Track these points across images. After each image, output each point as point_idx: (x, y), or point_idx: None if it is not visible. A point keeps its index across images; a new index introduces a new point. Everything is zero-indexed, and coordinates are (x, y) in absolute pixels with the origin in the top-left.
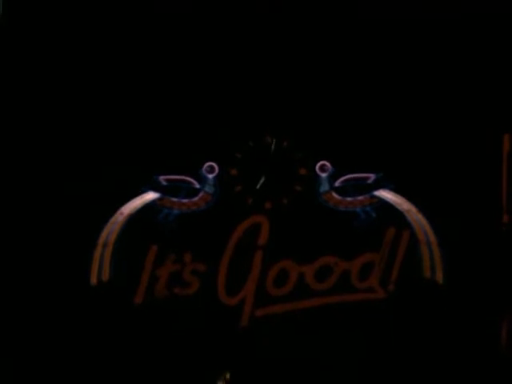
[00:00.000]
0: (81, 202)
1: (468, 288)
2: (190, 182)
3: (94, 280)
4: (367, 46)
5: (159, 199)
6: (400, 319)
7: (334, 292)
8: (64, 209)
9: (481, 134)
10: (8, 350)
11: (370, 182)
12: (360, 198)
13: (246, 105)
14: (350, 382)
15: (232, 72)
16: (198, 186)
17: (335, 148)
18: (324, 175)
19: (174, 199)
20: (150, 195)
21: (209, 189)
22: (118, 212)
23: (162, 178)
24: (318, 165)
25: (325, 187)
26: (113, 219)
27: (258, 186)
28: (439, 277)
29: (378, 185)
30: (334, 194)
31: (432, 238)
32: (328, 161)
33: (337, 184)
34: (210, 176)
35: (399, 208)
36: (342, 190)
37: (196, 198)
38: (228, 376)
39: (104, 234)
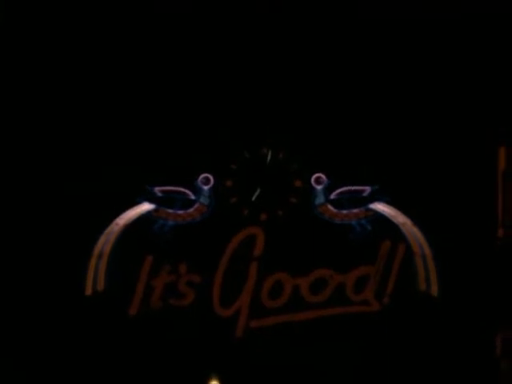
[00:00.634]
0: (76, 212)
1: (463, 301)
2: (185, 194)
3: (88, 290)
4: (366, 53)
5: (155, 210)
6: (395, 332)
7: (329, 305)
8: (60, 219)
9: (476, 148)
10: (4, 358)
11: (365, 194)
12: (355, 210)
13: (241, 116)
14: None
15: (228, 85)
16: (193, 197)
17: (331, 160)
18: (319, 187)
19: (170, 210)
20: (146, 206)
21: (204, 200)
22: (114, 223)
23: (157, 189)
24: (314, 177)
25: (320, 199)
26: (108, 230)
27: (253, 198)
28: (434, 290)
29: (374, 198)
30: (330, 207)
31: (427, 251)
32: (323, 173)
33: (332, 196)
34: (206, 187)
35: (394, 221)
36: (338, 203)
37: (191, 210)
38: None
39: (99, 245)
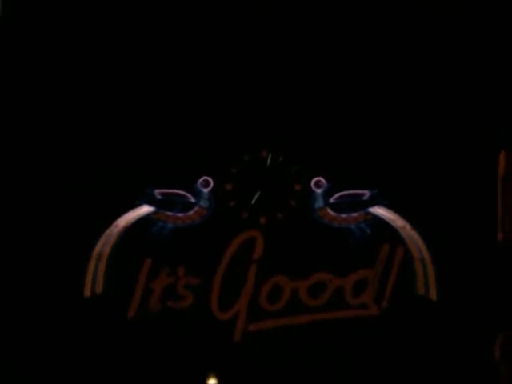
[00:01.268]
0: (76, 213)
1: (462, 305)
2: (185, 196)
3: (87, 292)
4: (366, 55)
5: (154, 213)
6: (393, 336)
7: (328, 308)
8: (59, 220)
9: (476, 152)
10: (3, 359)
11: (364, 198)
12: (354, 214)
13: (241, 119)
14: None
15: (228, 88)
16: (193, 200)
17: (330, 164)
18: (319, 191)
19: (169, 213)
20: (145, 208)
21: (204, 203)
22: (113, 224)
23: (157, 191)
24: (313, 181)
25: (319, 203)
26: (108, 231)
27: (253, 201)
28: (433, 294)
29: (373, 201)
30: (329, 211)
31: (426, 255)
32: (323, 177)
33: (332, 200)
34: (205, 190)
35: (393, 225)
36: (337, 207)
37: (191, 212)
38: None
39: (98, 247)
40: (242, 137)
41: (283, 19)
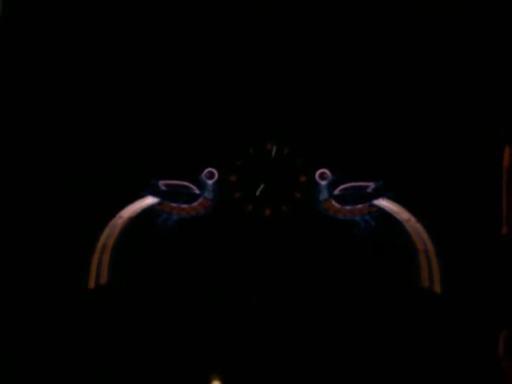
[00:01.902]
0: (80, 205)
1: (466, 298)
2: (189, 188)
3: (92, 283)
4: (367, 51)
5: (158, 204)
6: (397, 328)
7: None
8: (63, 212)
9: (482, 146)
10: (7, 350)
11: (369, 190)
12: (359, 206)
13: (246, 111)
14: None
15: (233, 80)
16: (197, 191)
17: (335, 156)
18: (324, 183)
19: (174, 204)
20: (150, 200)
21: (208, 194)
22: (118, 216)
23: (161, 182)
24: (318, 173)
25: (324, 195)
26: (112, 223)
27: (257, 193)
28: (437, 287)
29: (378, 193)
30: (334, 202)
31: (430, 247)
32: (328, 169)
33: (336, 192)
34: (210, 182)
35: (398, 217)
36: (342, 199)
37: (195, 204)
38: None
39: (103, 238)
40: (247, 129)
41: (287, 17)
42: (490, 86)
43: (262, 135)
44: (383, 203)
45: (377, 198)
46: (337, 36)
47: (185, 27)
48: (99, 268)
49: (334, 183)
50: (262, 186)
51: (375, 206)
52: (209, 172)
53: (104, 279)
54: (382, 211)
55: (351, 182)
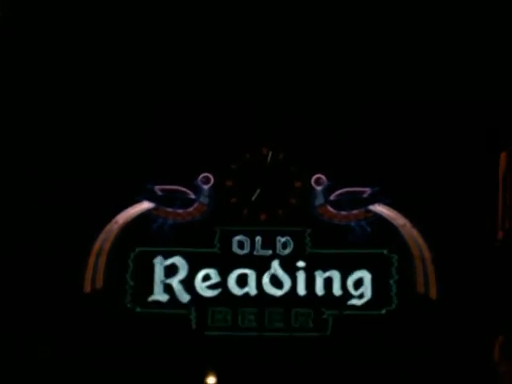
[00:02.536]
0: (76, 209)
1: (462, 304)
2: (185, 193)
3: (87, 288)
4: (361, 56)
5: (154, 209)
6: (393, 334)
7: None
8: (59, 216)
9: (478, 152)
10: (3, 355)
11: (365, 196)
12: (355, 212)
13: (242, 117)
14: None
15: (229, 85)
16: (193, 196)
17: (331, 162)
18: (319, 188)
19: (169, 209)
20: (145, 205)
21: (204, 199)
22: (113, 221)
23: (157, 187)
24: (314, 178)
25: (320, 200)
26: (108, 227)
27: (253, 198)
28: (433, 292)
29: (374, 199)
30: (329, 208)
31: (426, 253)
32: (323, 174)
33: (332, 198)
34: (206, 187)
35: (394, 223)
36: (337, 204)
37: (191, 209)
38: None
39: (98, 242)
40: (243, 134)
41: (284, 20)
42: (486, 93)
43: (258, 140)
44: (379, 209)
45: (372, 203)
46: (331, 40)
47: (178, 30)
48: (95, 272)
49: (329, 189)
50: (257, 192)
51: (371, 211)
52: (204, 177)
53: (100, 284)
54: (377, 217)
55: (347, 187)
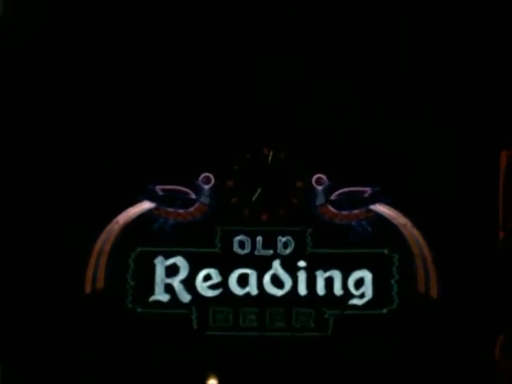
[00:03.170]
0: (77, 209)
1: (462, 304)
2: (186, 193)
3: (88, 288)
4: (361, 57)
5: (155, 209)
6: (394, 333)
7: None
8: (60, 216)
9: (478, 151)
10: (4, 356)
11: (366, 195)
12: (356, 211)
13: (243, 117)
14: None
15: (230, 85)
16: (194, 196)
17: (332, 161)
18: (320, 188)
19: (170, 209)
20: (146, 205)
21: (205, 199)
22: (114, 221)
23: (158, 187)
24: (314, 178)
25: (321, 200)
26: (108, 228)
27: (254, 198)
28: (434, 292)
29: (374, 199)
30: (330, 208)
31: (427, 252)
32: (324, 174)
33: (333, 197)
34: (206, 187)
35: (395, 222)
36: (338, 204)
37: (192, 209)
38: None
39: (99, 243)
40: (244, 134)
41: (283, 15)
42: (485, 91)
43: (259, 140)
44: (380, 208)
45: (373, 203)
46: (332, 38)
47: (179, 29)
48: (95, 273)
49: (330, 188)
50: (258, 191)
51: (372, 211)
52: (205, 177)
53: (100, 284)
54: (378, 216)
55: (348, 187)
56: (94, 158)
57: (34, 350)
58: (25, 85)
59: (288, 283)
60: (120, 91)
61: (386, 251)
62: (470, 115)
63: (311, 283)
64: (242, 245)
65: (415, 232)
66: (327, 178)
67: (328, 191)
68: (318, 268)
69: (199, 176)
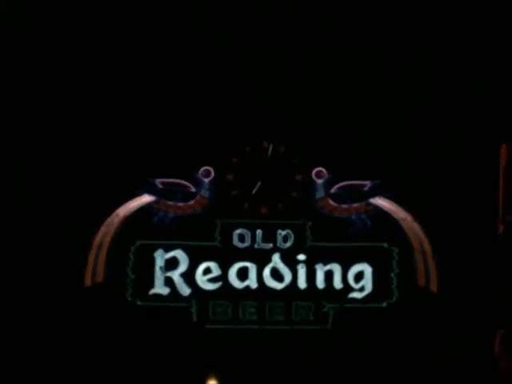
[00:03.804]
0: (76, 203)
1: (462, 297)
2: (185, 186)
3: (88, 281)
4: (362, 50)
5: (155, 202)
6: (393, 327)
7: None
8: (60, 210)
9: (478, 145)
10: (5, 350)
11: (366, 189)
12: (355, 205)
13: (243, 111)
14: None
15: (230, 78)
16: (193, 189)
17: (332, 155)
18: (320, 182)
19: (170, 202)
20: (146, 198)
21: (204, 193)
22: (114, 214)
23: (158, 181)
24: (314, 171)
25: (320, 194)
26: (108, 221)
27: (253, 191)
28: (433, 286)
29: (374, 192)
30: (330, 201)
31: (427, 246)
32: (324, 167)
33: (332, 191)
34: (206, 180)
35: (395, 216)
36: (338, 197)
37: (192, 202)
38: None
39: (99, 236)
40: (244, 127)
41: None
42: (486, 84)
43: (259, 134)
44: (379, 202)
45: (373, 196)
46: (332, 32)
47: (179, 24)
48: (95, 266)
49: (330, 182)
50: (258, 185)
51: (371, 204)
52: (205, 170)
53: (100, 277)
54: (378, 210)
55: (347, 180)
56: (94, 151)
57: (34, 342)
58: (26, 78)
59: (288, 277)
60: (120, 86)
61: (385, 245)
62: (470, 109)
63: (311, 277)
64: (241, 238)
65: (415, 226)
66: (327, 171)
67: (328, 185)
68: (317, 261)
69: (199, 169)
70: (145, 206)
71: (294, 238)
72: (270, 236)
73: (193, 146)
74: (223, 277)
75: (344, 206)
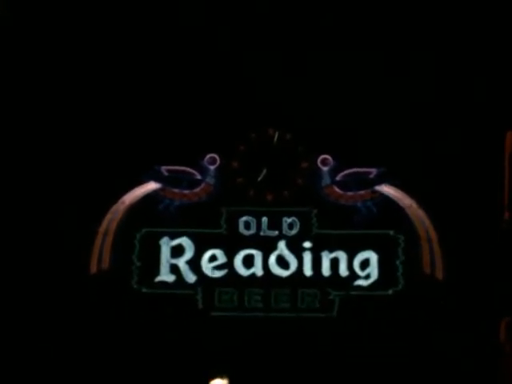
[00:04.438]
0: (82, 190)
1: (468, 285)
2: (191, 173)
3: (93, 269)
4: (366, 38)
5: (161, 189)
6: (399, 315)
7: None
8: (65, 197)
9: (483, 132)
10: (10, 336)
11: (371, 176)
12: (361, 192)
13: (249, 97)
14: (354, 373)
15: (236, 65)
16: (199, 177)
17: (337, 142)
18: (325, 169)
19: (176, 190)
20: (152, 185)
21: (210, 180)
22: (120, 201)
23: (163, 168)
24: (320, 158)
25: (326, 181)
26: (114, 208)
27: (259, 179)
28: (439, 273)
29: (380, 180)
30: (336, 188)
31: (432, 234)
32: (330, 155)
33: (338, 178)
34: (212, 167)
35: (400, 203)
36: (344, 185)
37: (197, 189)
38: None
39: (105, 223)
40: (249, 114)
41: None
42: (490, 72)
43: (264, 121)
44: (385, 189)
45: (379, 184)
46: (337, 22)
47: (180, 15)
48: (101, 253)
49: (335, 169)
50: (263, 172)
51: (377, 192)
52: (211, 158)
53: (106, 265)
54: (384, 197)
55: (353, 168)
56: (100, 139)
57: (40, 330)
58: (27, 73)
59: (293, 264)
60: (126, 75)
61: (391, 232)
62: (474, 96)
63: (316, 264)
64: (247, 225)
65: (421, 213)
66: (333, 158)
67: (333, 172)
68: (323, 249)
69: (204, 157)
70: (150, 194)
71: (300, 225)
72: (275, 223)
73: (198, 133)
74: (229, 264)
75: (350, 193)
